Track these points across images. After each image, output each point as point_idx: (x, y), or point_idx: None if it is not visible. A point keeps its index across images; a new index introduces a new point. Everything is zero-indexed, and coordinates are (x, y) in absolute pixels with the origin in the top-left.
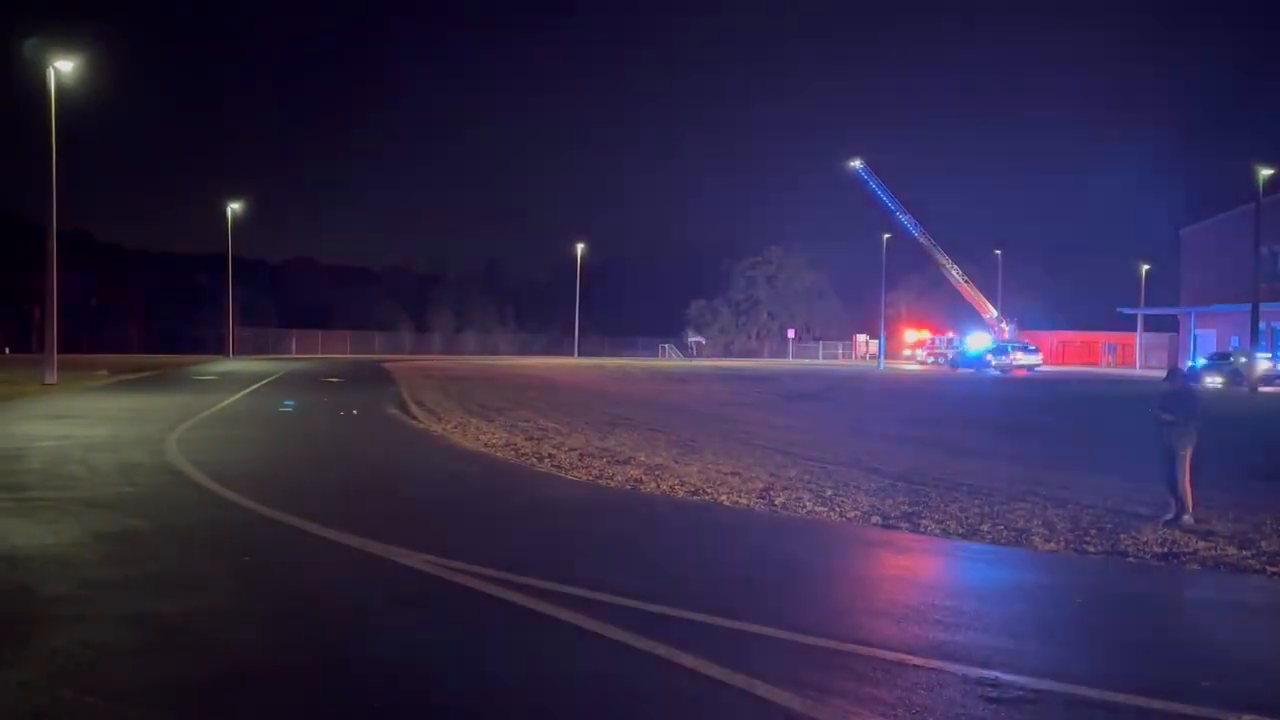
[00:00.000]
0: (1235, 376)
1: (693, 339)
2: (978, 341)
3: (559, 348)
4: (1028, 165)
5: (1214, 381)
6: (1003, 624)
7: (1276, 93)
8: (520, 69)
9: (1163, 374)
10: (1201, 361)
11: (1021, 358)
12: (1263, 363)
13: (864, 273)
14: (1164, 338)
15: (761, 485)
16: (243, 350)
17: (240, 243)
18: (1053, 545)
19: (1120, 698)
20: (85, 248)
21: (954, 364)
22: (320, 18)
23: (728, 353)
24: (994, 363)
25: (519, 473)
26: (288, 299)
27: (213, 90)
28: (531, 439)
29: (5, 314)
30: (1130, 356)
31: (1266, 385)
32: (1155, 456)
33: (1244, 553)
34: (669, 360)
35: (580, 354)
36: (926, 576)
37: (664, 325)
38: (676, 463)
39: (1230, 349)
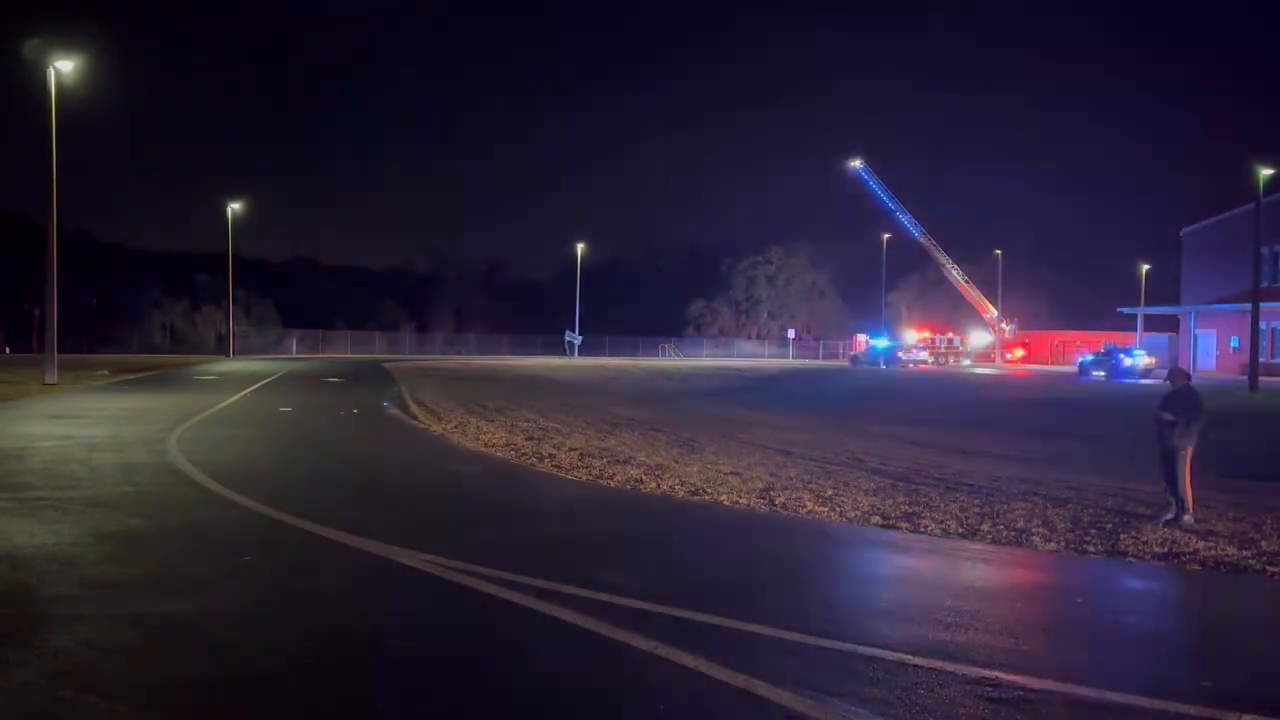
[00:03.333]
0: (1120, 369)
1: (570, 338)
2: (883, 342)
3: (559, 348)
4: (1028, 164)
5: (1099, 374)
6: (1003, 624)
7: (1277, 92)
8: (521, 69)
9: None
10: (1089, 357)
11: (915, 354)
12: (1143, 358)
13: (864, 273)
14: (1164, 338)
15: (762, 485)
16: (243, 350)
17: (241, 243)
18: (1053, 545)
19: (1120, 698)
20: (85, 248)
21: (856, 361)
22: (320, 17)
23: (729, 352)
24: (903, 358)
25: (519, 472)
26: (288, 299)
27: (213, 90)
28: (532, 439)
29: (5, 314)
30: None
31: (1145, 378)
32: (1156, 456)
33: (1244, 553)
34: (670, 360)
35: (580, 355)
36: (926, 576)
37: (665, 325)
38: (677, 463)
39: (1113, 348)
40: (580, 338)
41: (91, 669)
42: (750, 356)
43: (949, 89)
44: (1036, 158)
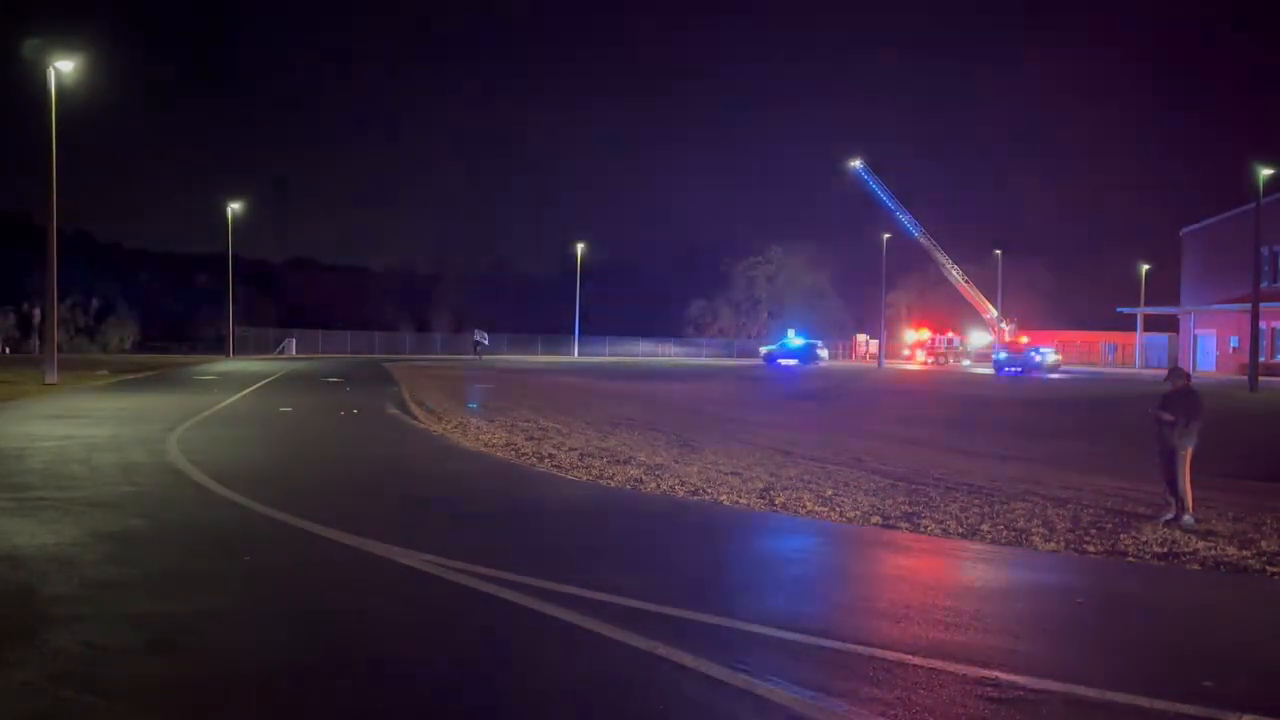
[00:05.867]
0: (1031, 365)
1: (478, 336)
2: (796, 340)
3: (559, 347)
4: (1029, 164)
5: (1014, 368)
6: (1003, 624)
7: (1277, 92)
8: (521, 68)
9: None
10: (1003, 355)
11: (822, 353)
12: (1050, 355)
13: (864, 273)
14: (1163, 338)
15: (762, 485)
16: (243, 350)
17: (241, 243)
18: (1053, 545)
19: (1120, 698)
20: (85, 248)
21: (770, 359)
22: (320, 18)
23: (729, 352)
24: (822, 356)
25: (519, 473)
26: (288, 299)
27: (213, 90)
28: (532, 439)
29: (5, 314)
30: (1130, 356)
31: (1053, 373)
32: (1155, 456)
33: (1244, 553)
34: (671, 360)
35: (581, 353)
36: (926, 576)
37: (664, 325)
38: (677, 463)
39: (1032, 345)
40: (488, 337)
41: (91, 669)
42: (752, 356)
43: (949, 89)
44: (1037, 157)
